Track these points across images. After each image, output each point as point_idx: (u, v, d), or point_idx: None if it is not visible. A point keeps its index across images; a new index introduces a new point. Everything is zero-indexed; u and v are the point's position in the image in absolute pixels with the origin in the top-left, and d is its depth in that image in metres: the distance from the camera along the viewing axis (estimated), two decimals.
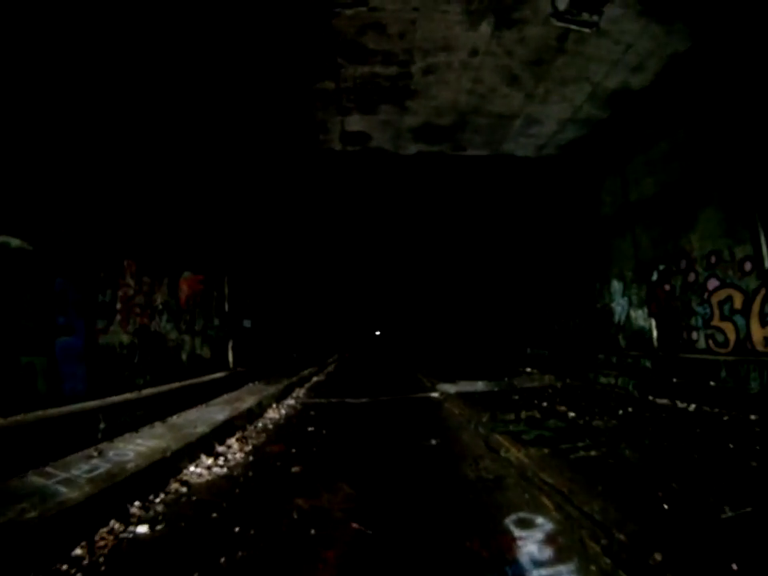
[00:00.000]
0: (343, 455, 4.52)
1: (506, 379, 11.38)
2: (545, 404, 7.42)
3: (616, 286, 11.25)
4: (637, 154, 9.95)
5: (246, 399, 7.01)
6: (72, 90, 4.91)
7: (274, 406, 7.39)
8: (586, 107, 10.14)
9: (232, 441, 5.25)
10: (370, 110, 9.00)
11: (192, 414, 5.90)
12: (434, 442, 4.79)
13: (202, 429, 5.09)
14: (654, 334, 9.94)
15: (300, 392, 9.47)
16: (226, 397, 7.18)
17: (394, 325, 44.97)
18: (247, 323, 9.79)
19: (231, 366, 8.72)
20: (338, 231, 17.56)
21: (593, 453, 4.49)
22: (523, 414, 6.44)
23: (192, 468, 4.35)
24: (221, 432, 5.28)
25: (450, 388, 9.46)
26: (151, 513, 3.33)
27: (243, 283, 9.72)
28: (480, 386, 10.02)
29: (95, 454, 4.18)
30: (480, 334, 23.48)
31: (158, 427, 5.24)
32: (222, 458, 4.64)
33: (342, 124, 9.51)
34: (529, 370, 14.15)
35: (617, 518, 2.93)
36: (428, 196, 14.52)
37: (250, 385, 8.65)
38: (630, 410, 7.04)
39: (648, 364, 9.84)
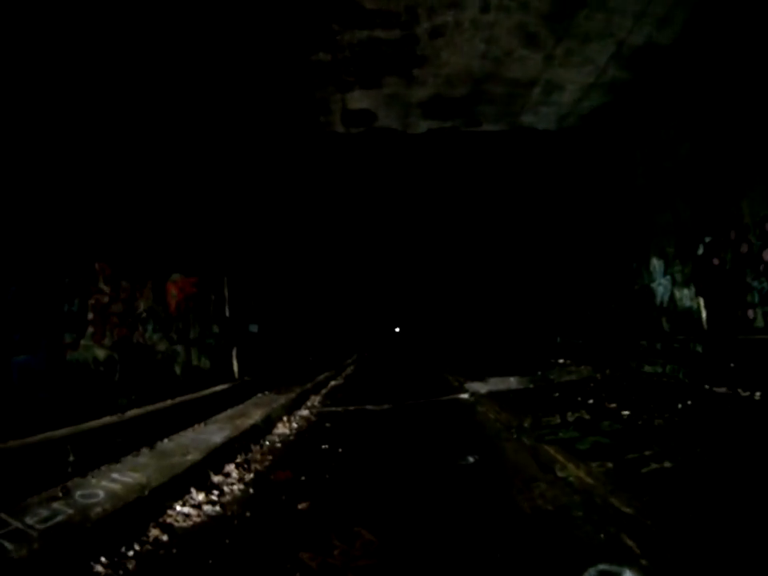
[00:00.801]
0: (361, 484, 3.74)
1: (540, 373, 10.61)
2: (591, 401, 6.62)
3: (656, 264, 10.33)
4: (671, 118, 9.04)
5: (252, 413, 6.28)
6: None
7: (285, 419, 6.65)
8: (611, 69, 9.25)
9: (231, 467, 4.51)
10: (372, 83, 8.21)
11: (186, 437, 5.18)
12: (471, 459, 3.99)
13: (194, 456, 4.38)
14: (703, 314, 9.03)
15: (315, 400, 8.73)
16: (229, 412, 6.46)
17: (414, 320, 44.17)
18: (254, 328, 9.08)
19: (236, 376, 8.02)
20: (348, 222, 16.76)
21: (667, 464, 3.69)
22: (570, 416, 5.62)
23: (179, 507, 3.62)
24: (218, 457, 4.55)
25: (481, 387, 8.65)
26: (120, 573, 2.61)
27: (247, 284, 9.01)
28: (513, 382, 9.21)
29: (60, 494, 3.48)
30: (505, 324, 22.58)
31: (144, 455, 4.53)
32: (216, 492, 3.91)
33: (343, 102, 8.73)
34: (561, 360, 13.33)
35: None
36: (442, 178, 13.66)
37: (259, 396, 7.93)
38: (688, 402, 6.26)
39: (699, 348, 8.95)
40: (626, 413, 5.74)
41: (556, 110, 10.46)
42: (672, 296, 9.94)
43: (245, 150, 9.37)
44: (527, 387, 8.44)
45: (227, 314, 7.84)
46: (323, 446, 4.97)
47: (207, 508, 3.63)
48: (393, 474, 3.85)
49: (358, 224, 16.84)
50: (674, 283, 9.87)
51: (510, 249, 19.69)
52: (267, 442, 5.43)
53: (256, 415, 6.11)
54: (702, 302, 9.07)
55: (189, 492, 3.89)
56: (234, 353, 8.00)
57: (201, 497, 3.82)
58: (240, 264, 8.76)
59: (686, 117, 8.50)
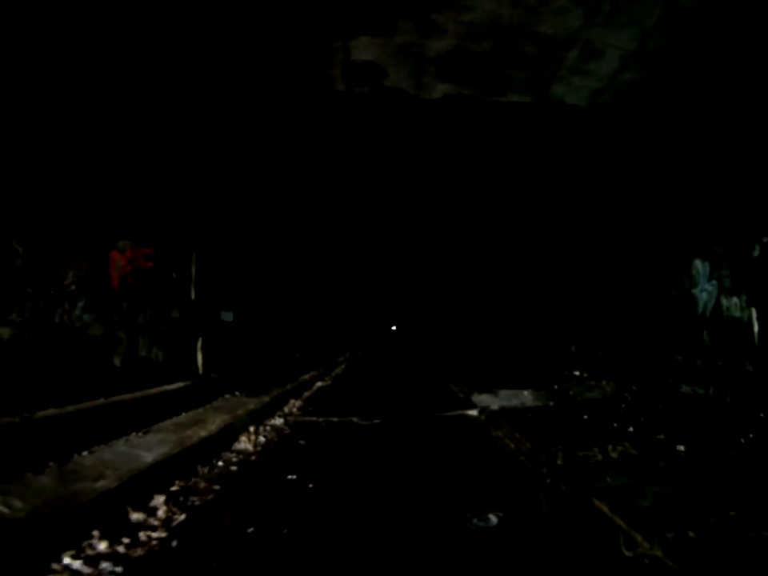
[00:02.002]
0: (329, 555, 2.63)
1: (556, 387, 9.60)
2: (631, 428, 5.58)
3: (699, 266, 9.20)
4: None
5: (210, 421, 5.21)
6: None
7: (252, 429, 5.58)
8: (657, 35, 8.13)
9: (160, 500, 3.45)
10: (383, 27, 7.08)
11: (114, 450, 4.12)
12: (492, 518, 2.90)
13: (108, 482, 3.33)
14: (755, 327, 7.94)
15: (295, 405, 7.67)
16: (181, 418, 5.38)
17: (413, 318, 43.01)
18: (227, 316, 8.00)
19: (200, 371, 6.96)
20: (345, 200, 15.49)
21: None
22: (612, 451, 4.55)
23: (67, 560, 2.71)
24: (144, 484, 3.50)
25: (490, 401, 7.58)
26: None
27: (222, 264, 7.92)
28: (527, 397, 8.14)
29: None
30: (513, 328, 21.47)
31: (47, 475, 3.49)
32: (126, 541, 2.88)
33: (346, 51, 7.60)
34: (578, 373, 12.29)
35: None
36: (455, 157, 12.46)
37: (226, 397, 6.85)
38: (750, 435, 5.23)
39: (749, 367, 7.87)
40: (681, 448, 4.72)
41: (590, 82, 9.35)
42: (717, 304, 8.85)
43: (223, 103, 8.20)
44: (546, 405, 7.38)
45: (193, 296, 6.76)
46: (289, 476, 3.88)
47: (105, 567, 2.60)
48: (375, 543, 2.74)
49: (357, 203, 15.61)
50: (720, 290, 8.77)
51: (522, 242, 18.51)
52: (221, 462, 4.36)
53: (213, 424, 5.04)
54: (754, 312, 7.99)
55: (90, 537, 2.87)
56: (199, 344, 6.93)
57: (103, 546, 2.81)
58: (214, 239, 7.68)
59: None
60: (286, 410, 7.22)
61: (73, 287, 4.50)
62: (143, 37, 6.30)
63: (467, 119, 10.19)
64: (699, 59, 8.27)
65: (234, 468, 4.21)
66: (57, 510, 2.81)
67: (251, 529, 2.90)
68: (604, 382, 10.30)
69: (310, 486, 3.63)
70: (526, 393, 8.71)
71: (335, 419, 6.30)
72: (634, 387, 9.34)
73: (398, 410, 7.04)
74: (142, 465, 3.71)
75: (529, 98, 9.72)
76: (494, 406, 7.12)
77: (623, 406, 7.39)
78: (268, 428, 5.83)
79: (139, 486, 3.48)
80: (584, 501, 3.19)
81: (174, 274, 6.30)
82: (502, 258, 21.30)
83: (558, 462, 4.14)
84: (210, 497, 3.53)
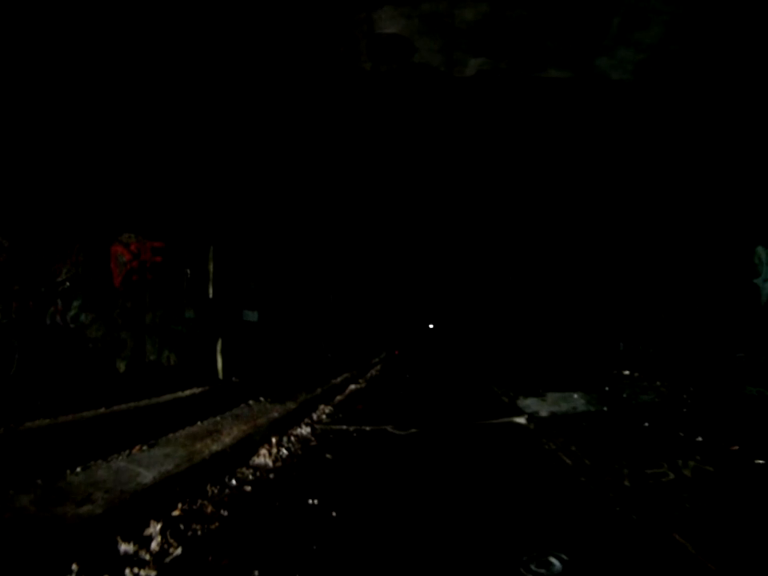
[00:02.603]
0: None
1: (607, 389, 8.94)
2: (699, 438, 4.93)
3: (762, 254, 8.31)
4: None
5: (225, 432, 4.76)
6: None
7: (274, 440, 5.10)
8: None
9: (156, 528, 3.02)
10: None
11: (111, 466, 3.70)
12: (556, 564, 2.31)
13: (94, 507, 2.91)
14: None
15: (325, 411, 7.18)
16: (195, 428, 4.94)
17: (450, 316, 42.18)
18: (251, 316, 7.57)
19: (220, 376, 6.53)
20: (379, 189, 14.93)
21: None
22: (685, 468, 3.95)
23: None
24: (136, 510, 3.06)
25: (538, 406, 6.96)
26: None
27: (245, 259, 7.50)
28: (578, 401, 7.50)
29: None
30: (554, 326, 20.56)
31: (26, 495, 3.13)
32: None
33: (370, 24, 7.07)
34: (627, 372, 11.52)
35: None
36: (492, 140, 11.76)
37: (250, 403, 6.41)
38: None
39: None
40: (761, 462, 4.08)
41: (635, 53, 8.60)
42: None
43: (242, 82, 7.76)
44: (599, 410, 6.72)
45: (210, 294, 6.33)
46: (310, 501, 3.36)
47: None
48: None
49: (391, 192, 15.05)
50: None
51: (567, 234, 17.63)
52: (234, 481, 3.88)
53: (228, 436, 4.57)
54: None
55: (68, 572, 2.45)
56: (219, 346, 6.51)
57: None
58: (235, 232, 7.25)
59: None
60: (315, 416, 6.74)
61: (67, 284, 4.10)
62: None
63: (504, 99, 9.52)
64: (758, 24, 7.43)
65: (247, 488, 3.72)
66: (32, 537, 2.38)
67: (256, 572, 2.39)
68: (658, 383, 9.56)
69: (333, 514, 3.10)
70: (575, 396, 8.07)
71: (368, 428, 5.77)
72: (691, 388, 8.57)
73: (437, 416, 6.47)
74: (138, 485, 3.26)
75: (570, 73, 9.01)
76: (543, 412, 6.50)
77: (684, 410, 6.69)
78: (292, 438, 5.35)
79: (132, 511, 3.03)
80: (663, 537, 2.57)
81: (188, 270, 5.88)
82: (544, 250, 20.40)
83: (626, 483, 3.52)
84: (214, 525, 3.05)
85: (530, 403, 7.32)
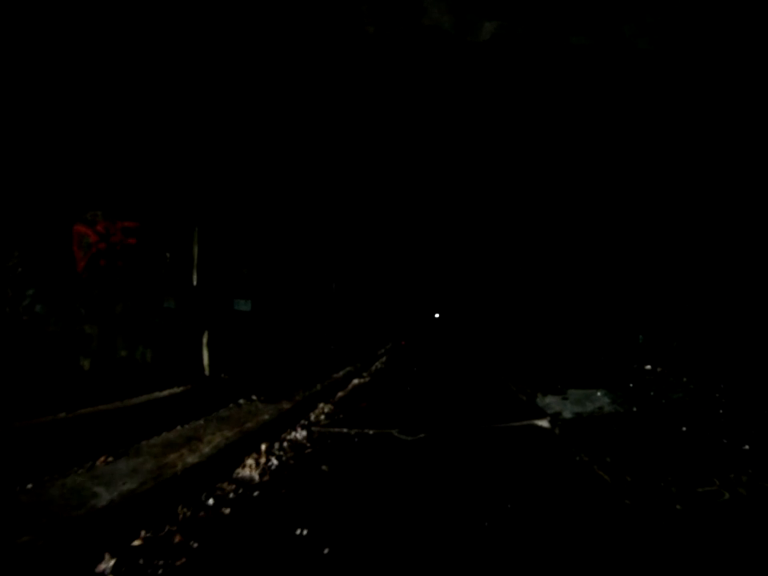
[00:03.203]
0: None
1: (631, 385, 8.48)
2: (746, 446, 4.47)
3: None
4: None
5: (206, 439, 4.30)
6: None
7: (263, 447, 4.65)
8: None
9: (109, 565, 2.58)
10: None
11: (65, 483, 3.26)
12: None
13: (29, 539, 2.44)
14: None
15: (324, 409, 6.73)
16: (172, 434, 4.49)
17: (456, 305, 41.67)
18: (244, 305, 7.10)
19: (207, 372, 6.07)
20: (383, 166, 14.33)
21: None
22: (739, 485, 3.47)
23: None
24: (82, 543, 2.60)
25: (560, 405, 6.48)
26: None
27: (236, 242, 7.00)
28: (603, 400, 7.03)
29: None
30: (569, 316, 20.01)
31: None
32: None
33: None
34: (649, 367, 11.01)
35: None
36: (507, 114, 11.14)
37: (240, 402, 5.96)
38: None
39: None
40: None
41: (661, 20, 8.01)
42: None
43: (234, 47, 7.21)
44: (628, 410, 6.23)
45: (195, 281, 5.85)
46: (298, 531, 2.89)
47: None
48: None
49: (396, 171, 14.47)
50: None
51: (581, 217, 17.00)
52: (211, 500, 3.43)
53: (209, 445, 4.12)
54: None
55: None
56: (205, 339, 6.04)
57: None
58: (226, 212, 6.75)
59: None
60: (313, 416, 6.29)
61: (19, 270, 3.62)
62: None
63: (520, 69, 8.91)
64: None
65: (226, 510, 3.26)
66: None
67: None
68: (685, 379, 9.06)
69: (325, 551, 2.63)
70: (599, 394, 7.60)
71: (371, 431, 5.30)
72: (721, 386, 8.07)
73: (449, 417, 5.99)
74: (92, 509, 2.80)
75: (593, 39, 8.42)
76: (567, 413, 6.02)
77: (721, 411, 6.19)
78: (285, 444, 4.89)
79: (82, 541, 2.58)
80: None
81: (167, 254, 5.39)
82: (558, 235, 19.78)
83: (677, 507, 3.02)
84: (180, 561, 2.60)
85: (550, 402, 6.85)
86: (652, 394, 7.76)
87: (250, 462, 4.29)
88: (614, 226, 14.51)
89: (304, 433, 5.31)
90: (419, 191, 17.11)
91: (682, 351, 11.00)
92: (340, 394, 8.29)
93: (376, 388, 9.00)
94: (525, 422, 5.61)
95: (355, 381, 10.06)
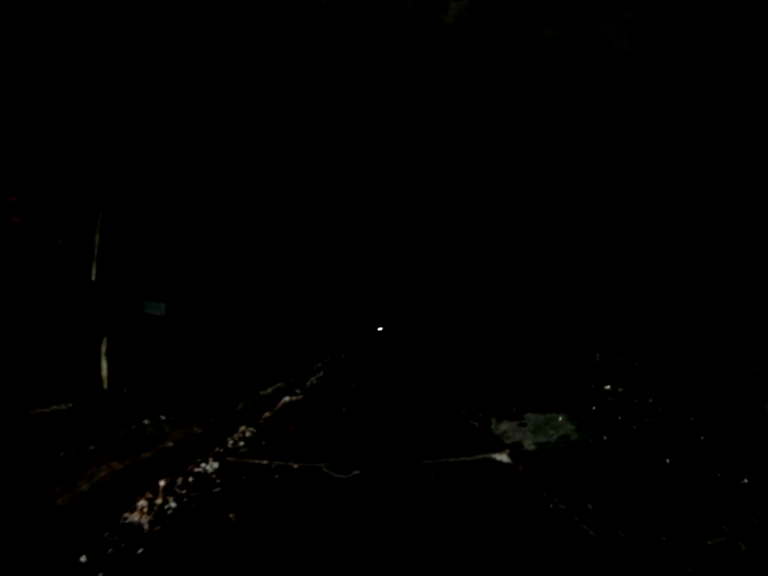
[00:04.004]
0: None
1: (595, 408, 8.33)
2: (745, 480, 4.21)
3: None
4: None
5: (90, 472, 3.64)
6: None
7: (162, 484, 4.02)
8: None
9: None
10: None
11: None
12: None
13: None
14: None
15: (245, 434, 6.12)
16: (50, 464, 3.77)
17: (405, 317, 41.54)
18: (156, 308, 6.40)
19: (106, 386, 5.34)
20: (327, 161, 13.73)
21: None
22: (750, 531, 3.08)
23: None
24: None
25: (519, 434, 6.09)
26: None
27: (151, 233, 6.30)
28: (567, 426, 6.75)
29: None
30: (515, 330, 19.95)
31: None
32: None
33: None
34: (609, 387, 10.84)
35: None
36: (466, 105, 10.77)
37: (145, 423, 5.27)
38: None
39: None
40: None
41: (642, 18, 7.88)
42: None
43: None
44: (597, 439, 5.91)
45: (94, 276, 5.13)
46: None
47: None
48: None
49: (341, 165, 13.94)
50: None
51: (529, 221, 16.88)
52: (84, 558, 2.79)
53: (88, 482, 3.45)
54: None
55: None
56: (104, 347, 5.31)
57: None
58: (140, 196, 6.05)
59: None
60: (231, 442, 5.66)
61: None
62: None
63: (488, 60, 8.57)
64: None
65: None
66: None
67: None
68: (651, 401, 8.90)
69: None
70: (561, 419, 7.30)
71: (295, 465, 4.71)
72: (693, 407, 7.92)
73: (390, 447, 5.47)
74: None
75: (566, 32, 8.21)
76: (529, 444, 5.61)
77: (702, 438, 5.97)
78: (191, 480, 4.26)
79: None
80: None
81: (59, 240, 4.67)
82: (500, 241, 19.66)
83: (690, 572, 2.61)
84: None
85: (507, 430, 6.44)
86: (620, 418, 7.54)
87: (142, 503, 3.65)
88: (566, 229, 14.37)
89: (216, 465, 4.68)
90: (364, 192, 16.65)
91: (645, 371, 10.89)
92: (267, 414, 7.66)
93: (309, 408, 8.41)
94: (480, 456, 5.14)
95: (286, 398, 9.44)
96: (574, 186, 13.25)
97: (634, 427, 6.73)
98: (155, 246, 6.55)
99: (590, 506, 3.54)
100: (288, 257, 16.46)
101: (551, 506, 3.71)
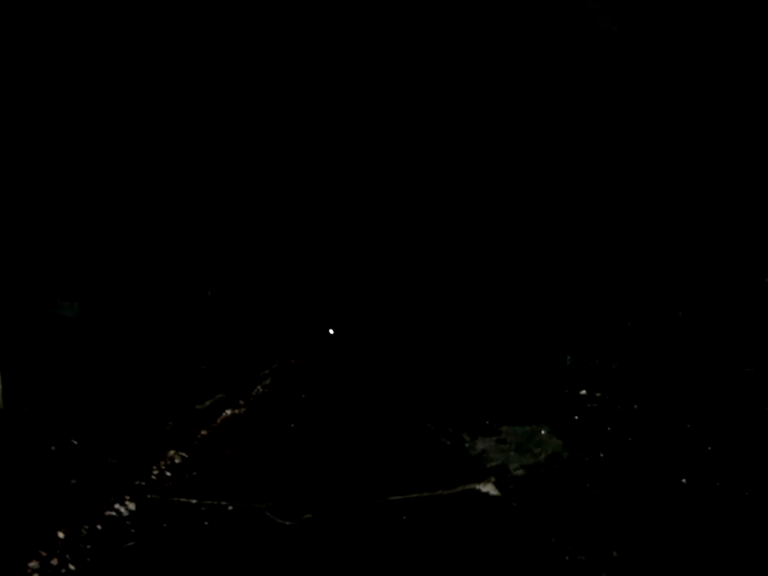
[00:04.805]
0: None
1: (577, 418, 7.98)
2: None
3: None
4: None
5: None
6: None
7: (62, 536, 3.33)
8: None
9: None
10: None
11: None
12: None
13: None
14: None
15: (174, 460, 5.49)
16: None
17: (360, 317, 41.26)
18: (68, 308, 5.71)
19: (0, 404, 4.62)
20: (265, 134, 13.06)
21: None
22: None
23: None
24: None
25: (501, 454, 5.69)
26: None
27: (60, 221, 5.59)
28: (552, 442, 6.51)
29: None
30: (479, 330, 19.70)
31: None
32: None
33: None
34: (584, 392, 10.62)
35: None
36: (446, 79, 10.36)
37: (52, 451, 4.55)
38: None
39: None
40: None
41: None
42: None
43: None
44: (593, 457, 5.49)
45: None
46: None
47: None
48: None
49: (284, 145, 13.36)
50: None
51: (489, 212, 16.56)
52: None
53: None
54: None
55: None
56: None
57: None
58: (49, 177, 5.34)
59: None
60: (156, 472, 5.00)
61: None
62: None
63: (471, 30, 8.13)
64: None
65: None
66: None
67: None
68: (636, 407, 8.64)
69: None
70: (543, 432, 6.92)
71: (230, 507, 4.07)
72: (685, 413, 7.67)
73: (349, 477, 4.89)
74: None
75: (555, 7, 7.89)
76: (515, 467, 5.12)
77: (709, 448, 5.63)
78: (99, 528, 3.59)
79: None
80: None
81: None
82: (462, 232, 19.41)
83: None
84: None
85: (486, 449, 5.95)
86: (609, 429, 7.18)
87: (33, 565, 2.98)
88: (535, 225, 14.07)
89: (132, 506, 4.02)
90: (314, 178, 16.13)
91: (624, 375, 10.64)
92: (203, 432, 7.00)
93: (252, 423, 7.80)
94: (460, 489, 4.57)
95: (228, 412, 8.78)
96: (548, 176, 12.94)
97: (630, 440, 6.35)
98: (71, 239, 5.85)
99: (614, 554, 3.01)
100: (233, 246, 15.78)
101: (567, 557, 3.13)
